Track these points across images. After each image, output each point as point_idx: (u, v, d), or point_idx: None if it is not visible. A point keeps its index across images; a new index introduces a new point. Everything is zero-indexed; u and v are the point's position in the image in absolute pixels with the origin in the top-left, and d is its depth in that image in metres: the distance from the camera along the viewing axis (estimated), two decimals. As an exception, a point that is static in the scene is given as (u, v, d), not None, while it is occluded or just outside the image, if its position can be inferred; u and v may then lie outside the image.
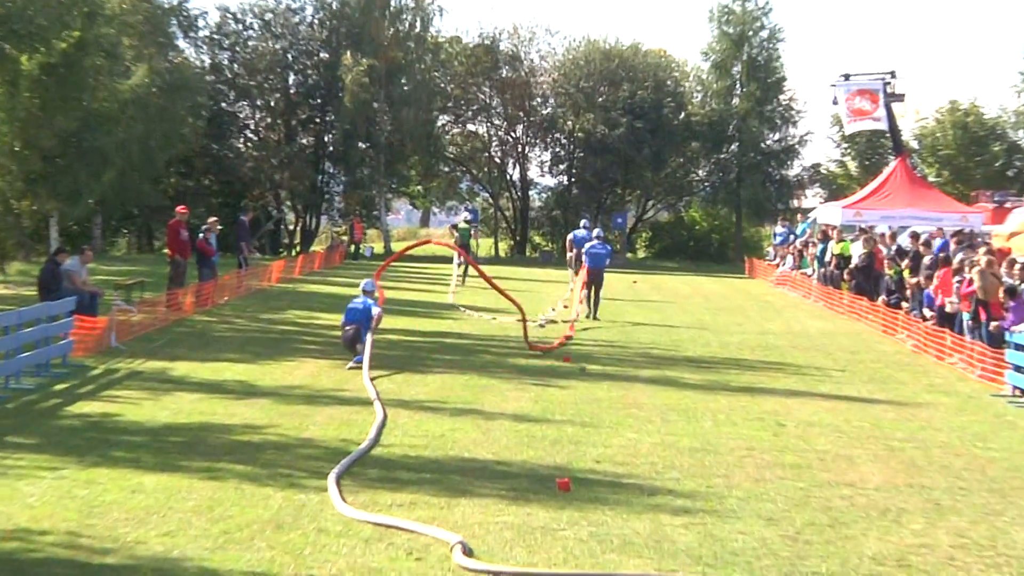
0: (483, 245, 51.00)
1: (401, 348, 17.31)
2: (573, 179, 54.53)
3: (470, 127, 56.37)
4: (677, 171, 54.84)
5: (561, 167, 54.71)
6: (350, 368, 15.08)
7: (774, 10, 52.31)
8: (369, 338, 15.46)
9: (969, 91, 61.08)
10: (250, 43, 50.30)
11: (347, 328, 15.92)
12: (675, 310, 25.93)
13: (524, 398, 13.33)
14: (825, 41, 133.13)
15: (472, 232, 35.54)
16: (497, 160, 55.75)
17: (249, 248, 27.57)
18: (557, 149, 54.71)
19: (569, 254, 28.46)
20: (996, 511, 8.97)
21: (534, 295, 28.26)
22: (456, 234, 33.98)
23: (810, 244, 32.35)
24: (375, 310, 16.08)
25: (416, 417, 11.92)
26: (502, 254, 53.94)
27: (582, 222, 30.65)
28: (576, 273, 26.53)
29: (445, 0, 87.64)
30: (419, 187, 59.29)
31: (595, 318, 22.86)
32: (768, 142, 52.43)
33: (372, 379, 13.93)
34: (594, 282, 23.65)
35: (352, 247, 45.27)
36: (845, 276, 27.34)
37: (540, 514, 8.31)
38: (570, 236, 29.17)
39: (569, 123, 53.41)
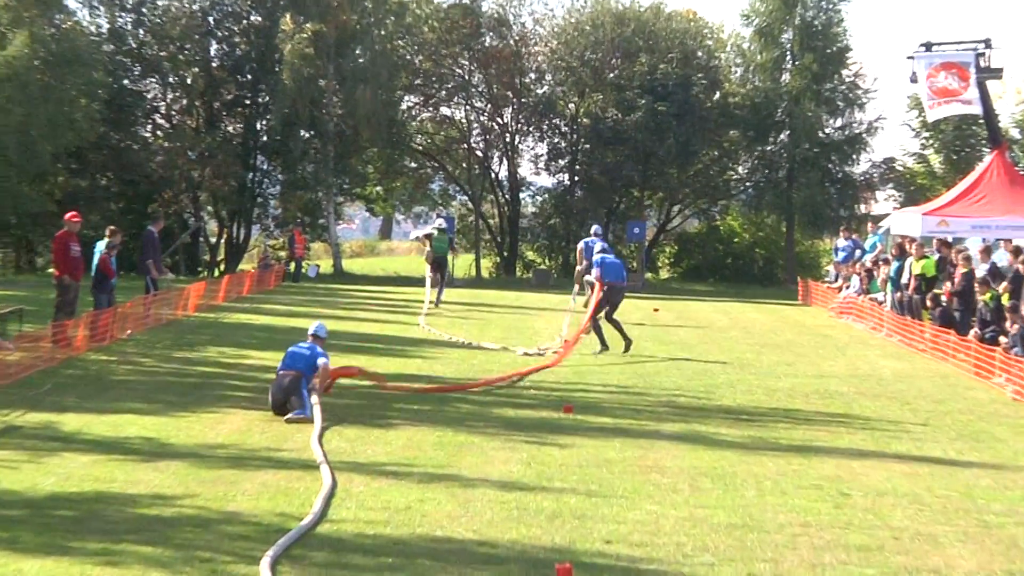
0: (460, 263, 51.07)
1: (355, 395, 17.32)
2: (576, 178, 54.82)
3: (444, 111, 56.77)
4: (710, 167, 55.22)
5: (561, 162, 55.02)
6: (289, 421, 15.10)
7: (835, -40, 52.55)
8: (314, 399, 15.46)
9: (1085, 65, 61.36)
10: (160, 3, 50.46)
11: (281, 374, 15.88)
12: (707, 346, 25.98)
13: (513, 460, 13.35)
14: (901, 0, 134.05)
15: (450, 244, 35.73)
16: (479, 153, 56.01)
17: (159, 267, 27.54)
18: (556, 139, 55.04)
19: (579, 267, 28.63)
20: (1120, 604, 9.01)
21: (525, 326, 28.30)
22: (429, 245, 34.09)
23: (881, 262, 32.49)
24: (322, 360, 16.07)
25: (374, 484, 11.93)
26: (485, 274, 54.09)
27: (593, 228, 30.82)
28: (586, 293, 26.49)
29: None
30: (378, 188, 59.49)
31: (627, 348, 23.33)
32: (828, 130, 52.79)
33: (319, 434, 13.98)
34: (611, 303, 23.75)
35: (291, 265, 45.34)
36: (927, 302, 27.44)
37: (534, 609, 8.33)
38: (580, 245, 29.33)
39: (571, 106, 53.71)
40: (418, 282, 36.80)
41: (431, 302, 32.20)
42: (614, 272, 24.04)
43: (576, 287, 28.04)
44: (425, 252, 34.71)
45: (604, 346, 23.43)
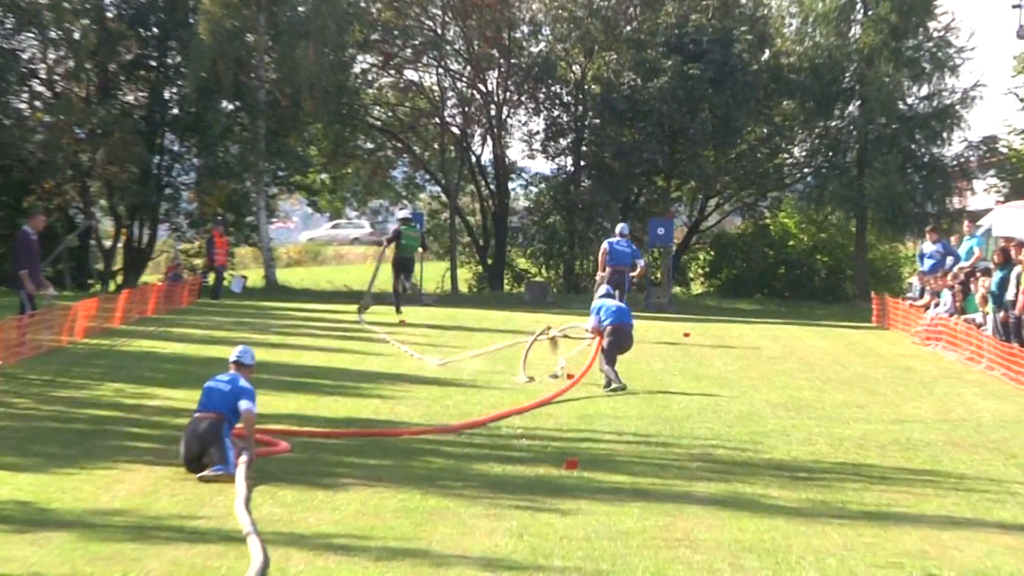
0: (430, 273, 50.90)
1: (295, 446, 17.31)
2: (582, 163, 54.88)
3: (410, 75, 56.70)
4: (758, 149, 55.21)
5: (562, 143, 55.07)
6: (205, 479, 15.06)
7: None
8: (242, 457, 15.29)
9: None
10: (40, -65, 50.46)
11: (198, 417, 15.77)
12: (753, 382, 26.02)
13: (500, 530, 13.35)
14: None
15: (422, 241, 36.00)
16: (455, 130, 56.01)
17: (38, 279, 27.51)
18: (556, 112, 55.08)
19: (600, 274, 29.00)
20: None
21: (517, 356, 28.28)
22: (393, 244, 34.43)
23: (980, 272, 32.52)
24: (244, 404, 15.85)
25: (318, 562, 11.94)
26: (463, 287, 54.06)
27: (619, 228, 31.07)
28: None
29: None
30: (323, 176, 59.41)
31: (618, 384, 23.56)
32: (910, 100, 52.80)
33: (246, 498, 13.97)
34: (620, 347, 24.14)
35: (210, 277, 45.23)
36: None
37: None
38: (604, 246, 29.83)
39: (575, 69, 53.74)
40: (379, 298, 36.96)
41: (364, 305, 33.07)
42: (618, 314, 24.39)
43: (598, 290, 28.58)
44: (379, 253, 35.14)
45: (619, 384, 23.58)
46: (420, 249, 36.27)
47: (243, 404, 15.81)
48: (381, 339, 30.42)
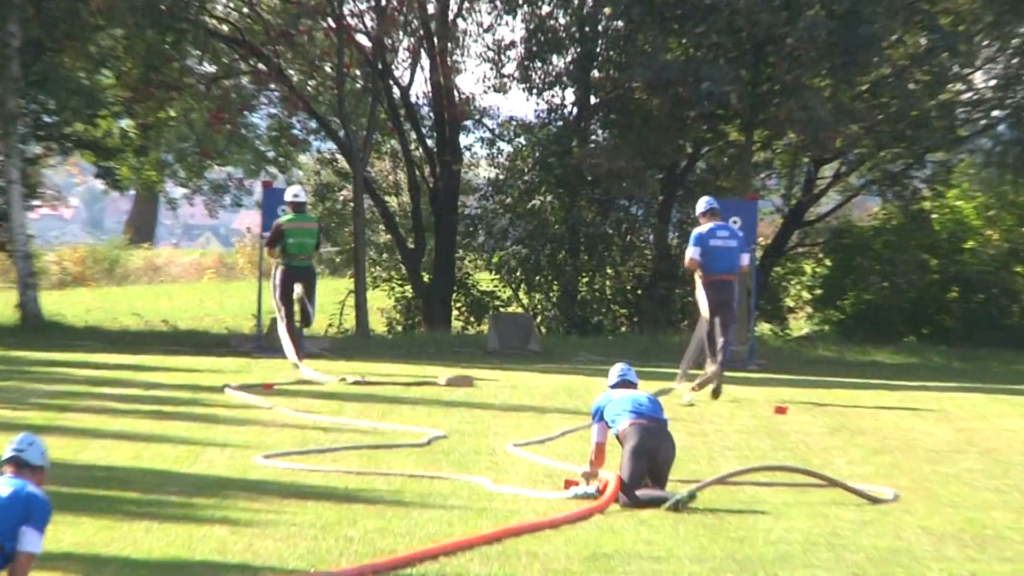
0: (325, 292, 51.02)
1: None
2: (593, 99, 55.10)
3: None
4: (909, 76, 55.16)
5: (557, 64, 55.20)
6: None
7: None
8: None
9: None
10: None
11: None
12: (903, 495, 25.93)
13: None
14: None
15: (319, 239, 36.47)
16: (364, 42, 56.08)
17: None
18: (545, 10, 55.15)
19: (702, 306, 30.92)
20: None
21: (476, 458, 28.25)
22: (280, 248, 34.97)
23: None
24: (27, 541, 15.71)
25: None
26: (378, 325, 54.26)
27: (703, 203, 31.95)
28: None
29: None
30: (125, 124, 59.48)
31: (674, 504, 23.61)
32: None
33: None
34: (650, 456, 24.12)
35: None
36: None
37: None
38: (691, 251, 32.55)
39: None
40: (213, 342, 36.98)
41: (295, 363, 33.54)
42: (641, 406, 24.41)
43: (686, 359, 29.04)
44: (275, 268, 35.67)
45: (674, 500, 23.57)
46: (316, 250, 36.68)
47: (25, 539, 15.73)
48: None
